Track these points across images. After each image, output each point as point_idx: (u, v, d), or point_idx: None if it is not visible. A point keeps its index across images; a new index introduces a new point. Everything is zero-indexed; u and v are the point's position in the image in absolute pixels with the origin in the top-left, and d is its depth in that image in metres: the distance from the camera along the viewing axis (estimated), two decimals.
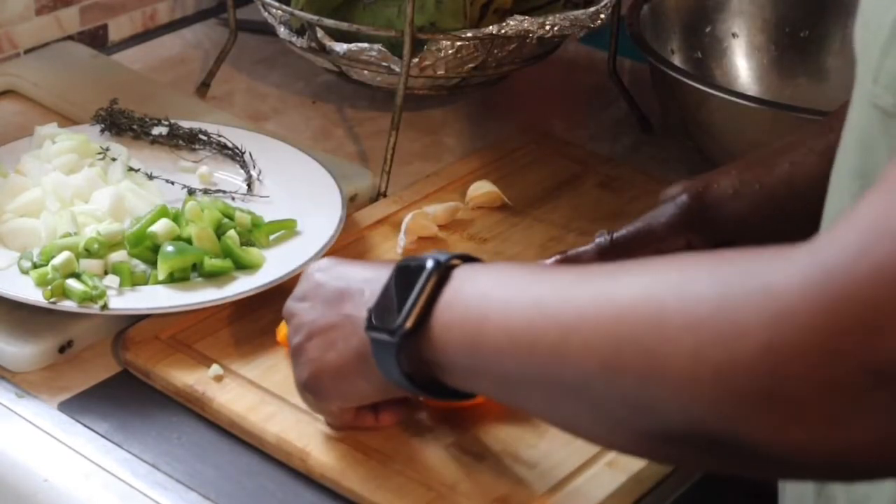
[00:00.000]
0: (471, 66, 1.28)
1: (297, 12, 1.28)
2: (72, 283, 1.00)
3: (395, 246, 1.13)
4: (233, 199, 1.15)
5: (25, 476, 0.92)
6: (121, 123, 1.23)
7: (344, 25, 1.25)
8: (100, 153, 1.16)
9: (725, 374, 0.60)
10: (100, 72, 1.36)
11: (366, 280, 0.85)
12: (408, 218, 1.13)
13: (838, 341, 0.57)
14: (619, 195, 1.23)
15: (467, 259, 0.81)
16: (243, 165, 1.19)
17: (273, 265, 1.06)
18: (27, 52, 1.40)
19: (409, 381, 0.81)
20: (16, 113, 1.31)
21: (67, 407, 0.97)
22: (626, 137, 1.37)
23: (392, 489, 0.88)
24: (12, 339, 1.00)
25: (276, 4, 1.29)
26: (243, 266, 1.06)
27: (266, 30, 1.41)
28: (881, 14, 0.66)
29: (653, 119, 1.38)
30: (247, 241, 1.08)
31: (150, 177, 1.16)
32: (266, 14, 1.32)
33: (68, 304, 1.00)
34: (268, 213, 1.12)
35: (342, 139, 1.33)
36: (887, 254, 0.57)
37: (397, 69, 1.24)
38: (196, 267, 1.05)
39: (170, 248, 1.03)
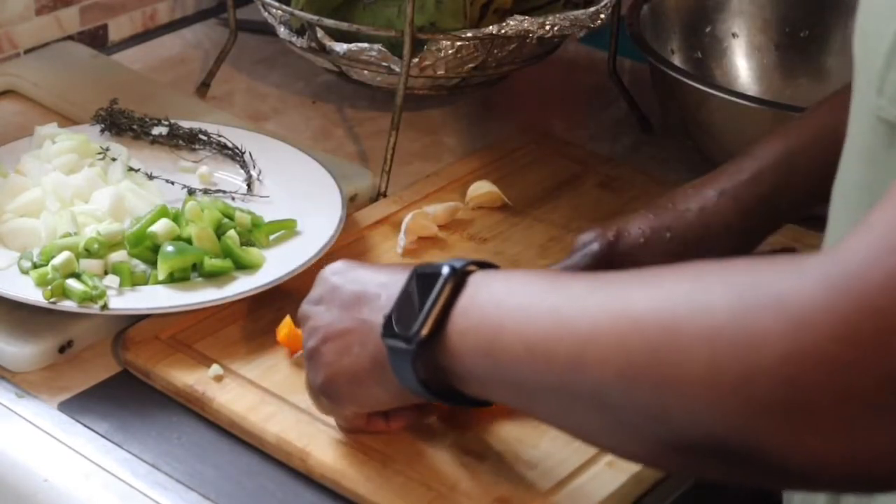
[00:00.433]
0: (471, 66, 1.28)
1: (297, 12, 1.28)
2: (72, 283, 1.00)
3: (395, 246, 1.13)
4: (233, 199, 1.15)
5: (25, 476, 0.92)
6: (121, 123, 1.23)
7: (344, 25, 1.25)
8: (100, 153, 1.16)
9: (743, 385, 0.60)
10: (100, 72, 1.36)
11: (381, 284, 0.85)
12: (408, 218, 1.13)
13: (855, 351, 0.57)
14: (619, 195, 1.23)
15: (483, 265, 0.81)
16: (243, 165, 1.19)
17: (273, 265, 1.06)
18: (27, 52, 1.40)
19: (425, 388, 0.81)
20: (16, 113, 1.31)
21: (67, 407, 0.97)
22: (626, 137, 1.37)
23: (392, 489, 0.88)
24: (12, 339, 1.00)
25: (276, 4, 1.29)
26: (243, 266, 1.06)
27: (266, 30, 1.41)
28: (882, 25, 0.65)
29: (653, 119, 1.38)
30: (247, 241, 1.08)
31: (150, 177, 1.16)
32: (266, 14, 1.32)
33: (68, 304, 1.00)
34: (268, 213, 1.12)
35: (342, 139, 1.33)
36: None
37: (397, 69, 1.24)
38: (196, 267, 1.05)
39: (170, 248, 1.03)
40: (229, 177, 1.19)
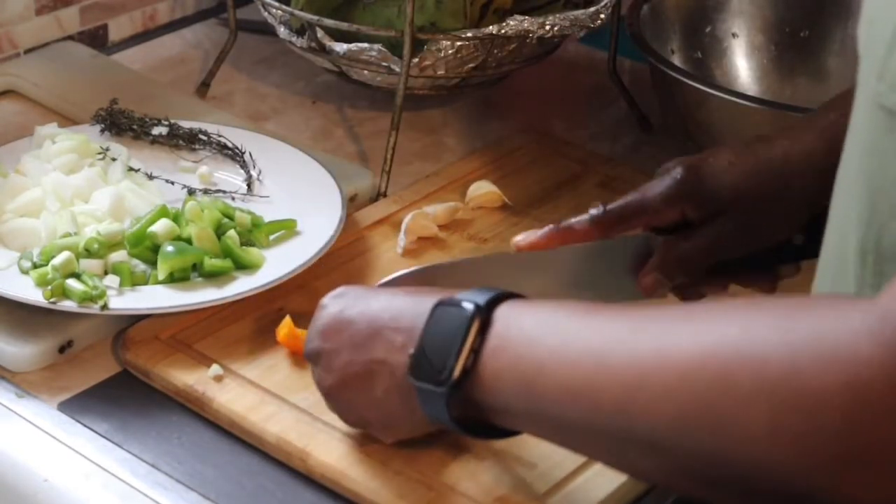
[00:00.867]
0: (471, 66, 1.28)
1: (297, 12, 1.28)
2: (72, 283, 1.00)
3: (395, 246, 1.13)
4: (233, 199, 1.15)
5: (25, 476, 0.92)
6: (121, 123, 1.23)
7: (344, 25, 1.25)
8: (100, 153, 1.16)
9: (807, 440, 0.61)
10: (100, 72, 1.36)
11: (394, 318, 0.84)
12: (408, 218, 1.13)
13: None
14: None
15: (504, 296, 0.79)
16: (243, 165, 1.19)
17: (273, 265, 1.06)
18: (27, 52, 1.40)
19: (458, 424, 0.80)
20: (16, 113, 1.31)
21: (67, 407, 0.97)
22: (626, 137, 1.37)
23: (392, 489, 0.88)
24: (12, 339, 1.00)
25: (276, 4, 1.29)
26: (243, 266, 1.06)
27: (266, 30, 1.41)
28: (887, 10, 0.66)
29: (653, 119, 1.38)
30: (247, 241, 1.08)
31: (150, 177, 1.16)
32: (266, 14, 1.32)
33: (68, 304, 1.00)
34: (268, 213, 1.12)
35: (342, 139, 1.33)
36: None
37: (397, 69, 1.24)
38: (196, 267, 1.05)
39: (170, 248, 1.03)
40: (229, 177, 1.19)
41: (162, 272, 1.03)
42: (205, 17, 1.55)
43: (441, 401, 0.79)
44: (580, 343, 0.72)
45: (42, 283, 1.01)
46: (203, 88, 1.39)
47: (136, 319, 1.03)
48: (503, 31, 1.24)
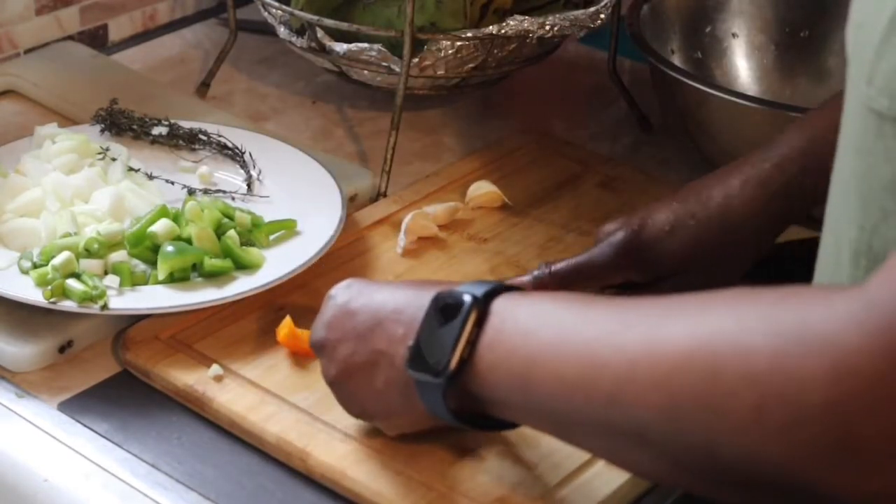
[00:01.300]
0: (471, 66, 1.28)
1: (297, 12, 1.28)
2: (72, 283, 1.00)
3: (395, 246, 1.13)
4: (233, 199, 1.15)
5: (25, 476, 0.92)
6: (121, 123, 1.23)
7: (344, 25, 1.25)
8: (100, 153, 1.16)
9: (793, 428, 0.61)
10: (100, 72, 1.36)
11: (396, 310, 0.85)
12: (408, 218, 1.13)
13: (894, 388, 0.58)
14: (619, 195, 1.23)
15: (502, 289, 0.80)
16: (243, 165, 1.19)
17: (273, 265, 1.06)
18: (27, 52, 1.40)
19: (456, 416, 0.81)
20: (16, 113, 1.31)
21: (67, 407, 0.97)
22: (626, 137, 1.37)
23: (392, 489, 0.88)
24: (12, 339, 1.00)
25: (276, 4, 1.29)
26: (243, 266, 1.06)
27: (266, 30, 1.41)
28: (875, 14, 0.66)
29: (653, 119, 1.38)
30: (247, 241, 1.08)
31: (150, 177, 1.16)
32: (266, 14, 1.32)
33: (68, 304, 1.00)
34: (268, 213, 1.12)
35: (342, 139, 1.33)
36: None
37: (397, 69, 1.24)
38: (196, 267, 1.05)
39: (170, 248, 1.03)
40: (229, 177, 1.19)
41: (162, 272, 1.03)
42: (205, 17, 1.55)
43: (438, 392, 0.79)
44: (573, 336, 0.73)
45: (42, 283, 1.01)
46: (203, 88, 1.39)
47: (136, 319, 1.03)
48: (503, 31, 1.24)
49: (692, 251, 0.98)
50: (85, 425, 0.96)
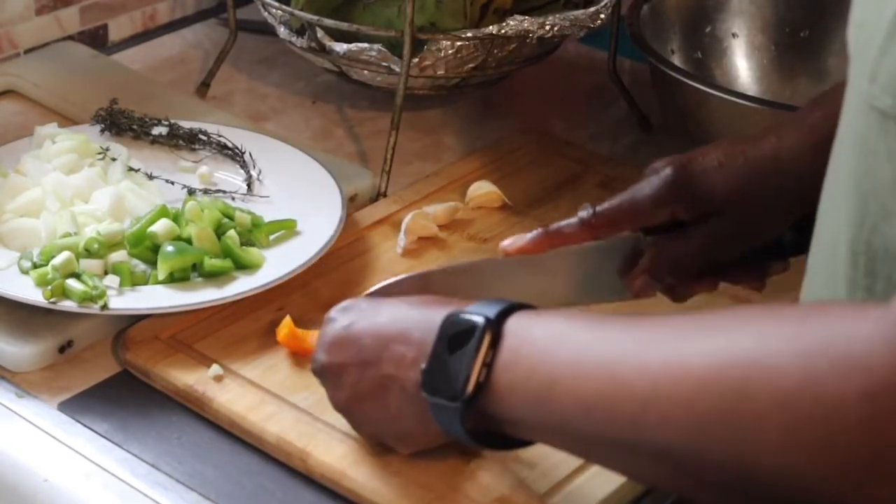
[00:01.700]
0: (471, 66, 1.28)
1: (297, 12, 1.28)
2: (72, 283, 1.00)
3: (395, 246, 1.13)
4: (233, 199, 1.15)
5: (25, 476, 0.92)
6: (121, 123, 1.23)
7: (344, 25, 1.25)
8: (100, 153, 1.16)
9: (826, 448, 0.61)
10: (100, 72, 1.36)
11: (402, 333, 0.84)
12: (408, 218, 1.13)
13: None
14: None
15: (514, 307, 0.79)
16: (243, 165, 1.19)
17: (273, 265, 1.06)
18: (27, 52, 1.40)
19: (473, 438, 0.81)
20: (16, 113, 1.31)
21: (67, 407, 0.97)
22: (626, 137, 1.37)
23: (392, 489, 0.88)
24: (12, 339, 1.00)
25: (276, 4, 1.29)
26: (243, 266, 1.06)
27: (266, 30, 1.41)
28: (878, 12, 0.66)
29: (653, 119, 1.38)
30: (247, 241, 1.08)
31: (150, 177, 1.16)
32: (266, 14, 1.32)
33: (68, 304, 1.00)
34: (268, 213, 1.12)
35: (342, 139, 1.33)
36: None
37: (397, 69, 1.24)
38: (196, 267, 1.05)
39: (170, 248, 1.03)
40: (229, 177, 1.19)
41: (162, 272, 1.03)
42: (205, 17, 1.55)
43: (455, 415, 0.79)
44: (592, 356, 0.72)
45: (42, 283, 1.01)
46: (203, 88, 1.39)
47: (136, 319, 1.03)
48: (503, 31, 1.24)
49: (740, 188, 0.96)
50: (85, 425, 0.96)
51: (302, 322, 1.02)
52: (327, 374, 0.88)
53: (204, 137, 1.22)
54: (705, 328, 0.68)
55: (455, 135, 1.36)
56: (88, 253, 1.03)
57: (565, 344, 0.74)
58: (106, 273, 1.03)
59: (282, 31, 1.31)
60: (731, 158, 0.96)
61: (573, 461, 0.90)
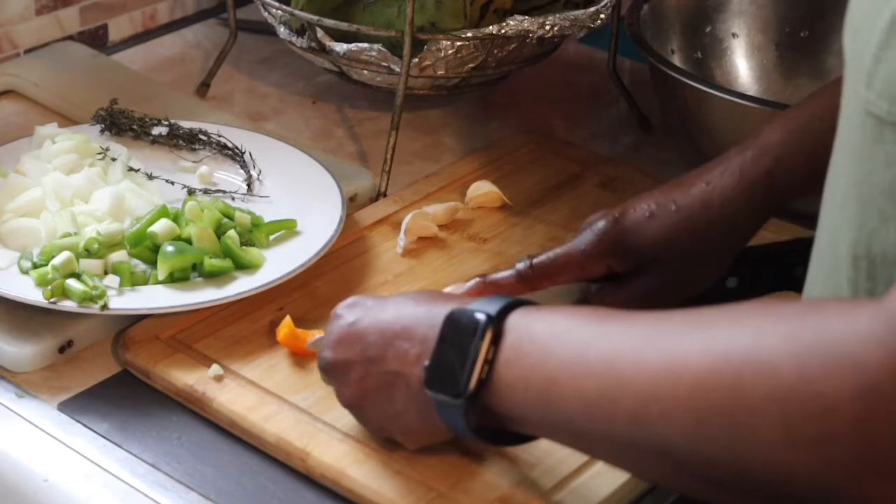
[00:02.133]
0: (471, 66, 1.28)
1: (297, 12, 1.28)
2: (72, 283, 1.00)
3: (395, 246, 1.13)
4: (233, 199, 1.15)
5: (25, 476, 0.92)
6: (121, 123, 1.23)
7: (344, 25, 1.25)
8: (100, 153, 1.16)
9: (821, 444, 0.61)
10: (100, 72, 1.36)
11: (405, 329, 0.84)
12: (408, 218, 1.13)
13: None
14: (619, 195, 1.23)
15: (515, 304, 0.80)
16: (243, 165, 1.19)
17: (273, 265, 1.06)
18: (27, 52, 1.40)
19: (477, 434, 0.81)
20: (16, 113, 1.31)
21: (67, 407, 0.97)
22: (626, 137, 1.37)
23: (392, 489, 0.88)
24: (12, 339, 1.00)
25: (276, 4, 1.29)
26: (243, 266, 1.06)
27: (266, 30, 1.41)
28: (873, 18, 0.66)
29: (653, 119, 1.38)
30: (247, 241, 1.08)
31: (150, 177, 1.16)
32: (266, 14, 1.32)
33: (68, 304, 1.00)
34: (268, 213, 1.12)
35: (342, 139, 1.33)
36: None
37: (397, 69, 1.24)
38: (196, 267, 1.05)
39: (170, 248, 1.03)
40: (229, 177, 1.19)
41: (162, 272, 1.03)
42: (205, 17, 1.55)
43: (459, 412, 0.80)
44: (593, 353, 0.73)
45: (42, 283, 1.01)
46: (203, 88, 1.39)
47: (136, 319, 1.03)
48: (503, 31, 1.24)
49: (672, 237, 0.98)
50: (85, 425, 0.96)
51: (302, 322, 1.02)
52: (334, 371, 0.89)
53: (204, 137, 1.22)
54: (703, 325, 0.69)
55: (455, 135, 1.36)
56: (88, 253, 1.03)
57: (565, 342, 0.75)
58: (106, 273, 1.03)
59: (282, 31, 1.31)
60: (662, 208, 0.99)
61: (575, 460, 0.90)
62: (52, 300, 0.99)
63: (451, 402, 0.80)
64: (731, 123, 1.21)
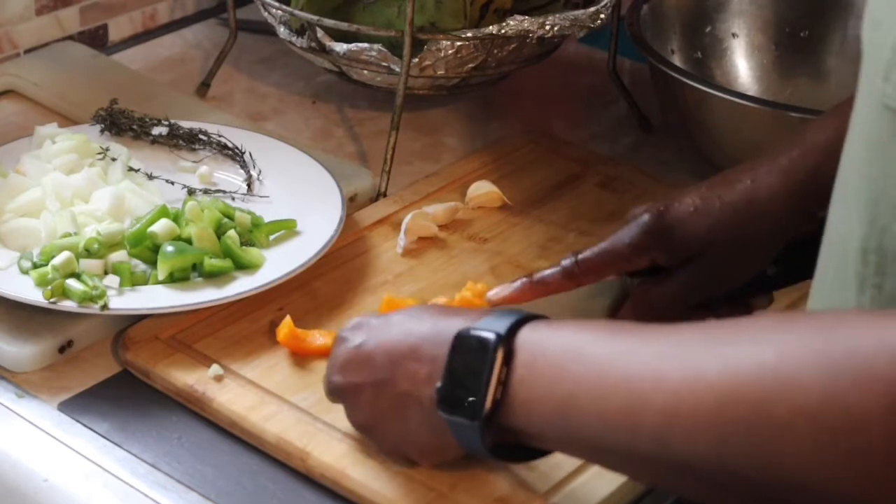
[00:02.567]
0: (471, 66, 1.28)
1: (297, 12, 1.28)
2: (72, 283, 1.00)
3: (395, 246, 1.13)
4: (233, 199, 1.15)
5: (25, 476, 0.92)
6: (121, 123, 1.23)
7: (344, 25, 1.25)
8: (100, 153, 1.16)
9: (851, 464, 0.61)
10: (100, 72, 1.36)
11: (413, 349, 0.84)
12: (408, 218, 1.13)
13: None
14: (619, 195, 1.23)
15: (523, 320, 0.79)
16: (243, 165, 1.19)
17: (273, 265, 1.06)
18: (27, 52, 1.40)
19: (493, 453, 0.81)
20: (16, 113, 1.31)
21: (67, 407, 0.97)
22: (626, 137, 1.37)
23: (392, 489, 0.88)
24: (12, 339, 1.00)
25: (276, 4, 1.29)
26: (243, 266, 1.06)
27: (266, 30, 1.41)
28: (892, 13, 0.66)
29: (653, 119, 1.38)
30: (247, 241, 1.08)
31: (150, 177, 1.16)
32: (266, 14, 1.32)
33: (68, 304, 1.00)
34: (268, 213, 1.12)
35: (342, 139, 1.34)
36: None
37: (397, 69, 1.24)
38: (196, 267, 1.05)
39: (170, 248, 1.03)
40: (229, 177, 1.19)
41: (162, 272, 1.03)
42: (205, 17, 1.55)
43: (475, 433, 0.79)
44: (610, 370, 0.72)
45: (42, 283, 1.01)
46: (203, 88, 1.39)
47: (136, 319, 1.03)
48: (503, 31, 1.24)
49: (716, 232, 0.97)
50: (85, 425, 0.96)
51: (302, 322, 1.02)
52: (344, 395, 0.88)
53: (204, 137, 1.22)
54: (724, 340, 0.68)
55: (455, 135, 1.36)
56: (88, 253, 1.03)
57: (581, 359, 0.74)
58: (106, 273, 1.03)
59: (282, 31, 1.31)
60: (707, 203, 0.98)
61: (573, 462, 0.90)
62: (52, 300, 0.99)
63: (466, 424, 0.79)
64: (731, 123, 1.21)
